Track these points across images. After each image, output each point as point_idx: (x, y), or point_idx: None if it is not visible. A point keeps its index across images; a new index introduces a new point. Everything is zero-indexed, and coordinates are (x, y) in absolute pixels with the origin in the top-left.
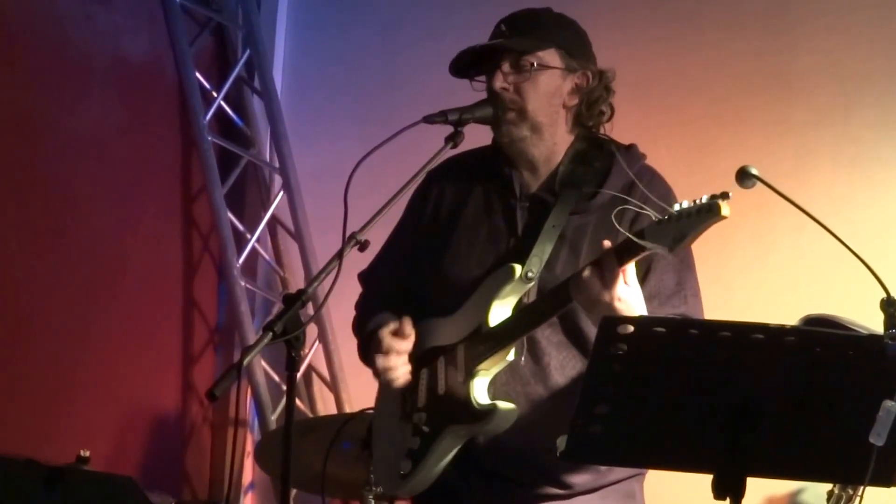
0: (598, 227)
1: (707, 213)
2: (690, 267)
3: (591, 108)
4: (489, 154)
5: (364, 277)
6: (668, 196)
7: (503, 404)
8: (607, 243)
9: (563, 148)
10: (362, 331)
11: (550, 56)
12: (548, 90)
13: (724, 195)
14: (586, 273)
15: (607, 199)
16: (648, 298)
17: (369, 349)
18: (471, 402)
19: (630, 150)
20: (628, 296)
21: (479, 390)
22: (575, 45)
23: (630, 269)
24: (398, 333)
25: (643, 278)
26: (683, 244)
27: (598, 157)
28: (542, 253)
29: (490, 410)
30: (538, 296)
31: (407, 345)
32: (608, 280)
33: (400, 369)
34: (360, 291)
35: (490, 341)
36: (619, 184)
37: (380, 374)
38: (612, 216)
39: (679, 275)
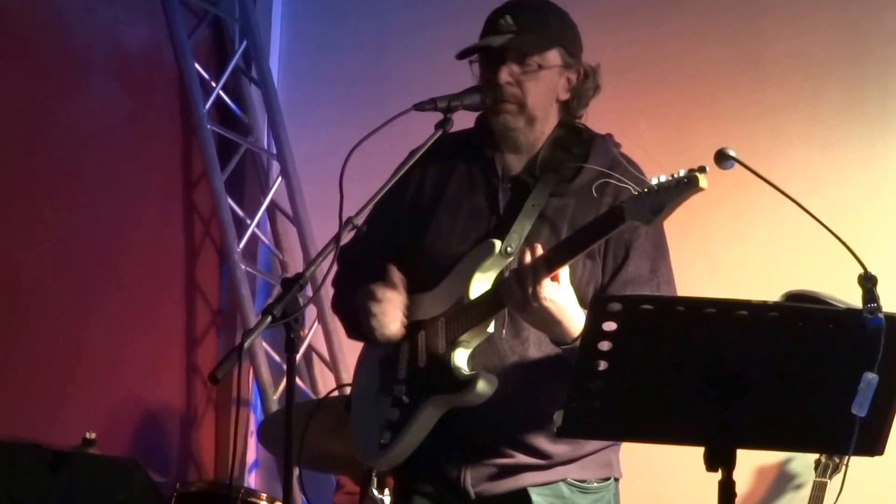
0: (577, 209)
1: (686, 186)
2: (664, 255)
3: (580, 101)
4: (472, 136)
5: (342, 252)
6: (644, 182)
7: (485, 374)
8: (538, 247)
9: (547, 134)
10: (348, 304)
11: (553, 55)
12: (547, 87)
13: (702, 169)
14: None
15: (585, 182)
16: (624, 284)
17: (357, 316)
18: (452, 372)
19: (606, 138)
20: (557, 296)
21: (461, 361)
22: (572, 41)
23: (563, 272)
24: (388, 283)
25: (621, 264)
26: (661, 216)
27: (576, 144)
28: (521, 230)
29: (472, 379)
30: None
31: (400, 291)
32: (537, 277)
33: (392, 314)
34: (337, 268)
35: (471, 313)
36: (596, 169)
37: (372, 325)
38: (593, 188)
39: (653, 262)
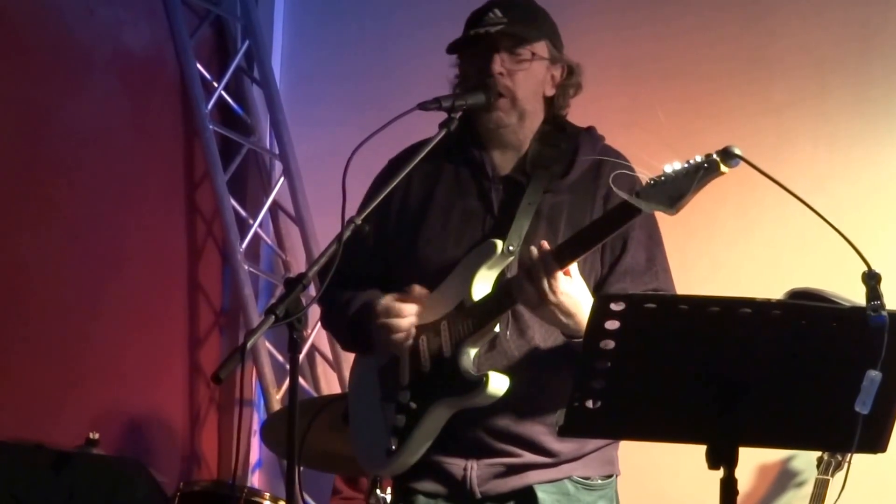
0: (573, 205)
1: (707, 171)
2: (659, 243)
3: (564, 98)
4: (453, 138)
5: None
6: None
7: (495, 374)
8: (545, 244)
9: (534, 132)
10: (342, 315)
11: (542, 47)
12: (536, 80)
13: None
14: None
15: (578, 177)
16: (623, 274)
17: (360, 327)
18: (461, 374)
19: (590, 131)
20: (571, 289)
21: (468, 363)
22: (557, 36)
23: (573, 264)
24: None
25: (619, 255)
26: (682, 203)
27: (562, 139)
28: (520, 229)
29: (482, 380)
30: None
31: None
32: (549, 271)
33: (405, 331)
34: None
35: (476, 315)
36: (588, 163)
37: (385, 337)
38: (611, 179)
39: (649, 251)
